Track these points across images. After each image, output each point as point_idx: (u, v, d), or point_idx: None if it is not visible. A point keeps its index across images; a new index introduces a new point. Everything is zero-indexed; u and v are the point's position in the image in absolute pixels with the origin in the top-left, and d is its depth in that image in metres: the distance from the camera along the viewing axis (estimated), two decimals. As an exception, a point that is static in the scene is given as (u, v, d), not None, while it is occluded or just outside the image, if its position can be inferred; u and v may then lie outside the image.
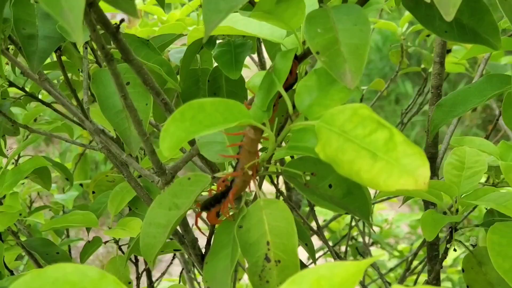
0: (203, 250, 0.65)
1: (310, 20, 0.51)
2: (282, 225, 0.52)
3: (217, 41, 0.85)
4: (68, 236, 1.43)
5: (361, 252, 1.58)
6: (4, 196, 0.95)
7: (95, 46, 0.81)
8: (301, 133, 0.51)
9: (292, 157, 0.73)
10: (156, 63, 0.74)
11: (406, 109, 1.52)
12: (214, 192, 0.57)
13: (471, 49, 0.83)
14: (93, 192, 1.08)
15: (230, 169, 0.66)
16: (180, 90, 0.82)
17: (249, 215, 0.53)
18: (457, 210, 0.70)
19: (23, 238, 1.09)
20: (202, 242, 0.64)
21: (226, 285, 0.53)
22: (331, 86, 0.52)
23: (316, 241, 1.55)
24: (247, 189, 0.57)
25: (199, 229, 0.60)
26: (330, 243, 1.75)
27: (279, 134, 0.57)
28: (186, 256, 1.36)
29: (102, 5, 0.53)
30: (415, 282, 1.24)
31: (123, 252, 1.02)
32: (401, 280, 1.23)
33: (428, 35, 1.34)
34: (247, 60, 1.01)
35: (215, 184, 0.58)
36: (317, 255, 1.66)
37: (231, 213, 0.56)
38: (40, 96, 1.06)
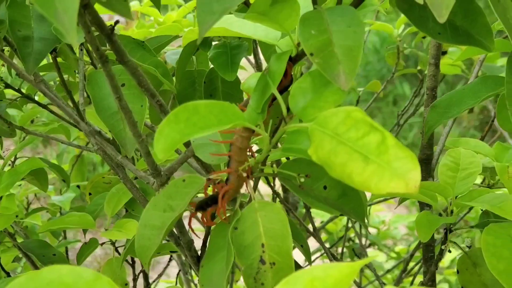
0: (199, 252, 0.65)
1: (304, 22, 0.51)
2: (277, 227, 0.52)
3: (213, 43, 0.85)
4: (65, 237, 1.43)
5: (358, 253, 1.58)
6: (1, 198, 0.95)
7: (90, 48, 0.81)
8: (295, 135, 0.52)
9: (288, 158, 0.74)
10: (151, 64, 0.74)
11: (402, 111, 1.53)
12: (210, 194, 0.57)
13: (465, 50, 0.84)
14: (90, 194, 1.08)
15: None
16: (176, 91, 0.83)
17: (244, 217, 0.53)
18: (452, 212, 0.70)
19: (20, 240, 1.09)
20: (198, 243, 0.64)
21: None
22: (325, 88, 0.52)
23: (313, 242, 1.55)
24: (243, 191, 0.57)
25: (192, 230, 0.60)
26: (327, 245, 1.76)
27: (274, 135, 0.57)
28: (183, 258, 1.36)
29: (97, 6, 0.54)
30: (411, 283, 1.25)
31: (120, 254, 1.02)
32: (398, 282, 1.23)
33: (424, 37, 1.35)
34: (244, 62, 1.01)
35: (210, 186, 0.58)
36: (313, 257, 1.67)
37: (226, 215, 0.56)
38: (36, 98, 1.06)
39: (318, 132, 0.47)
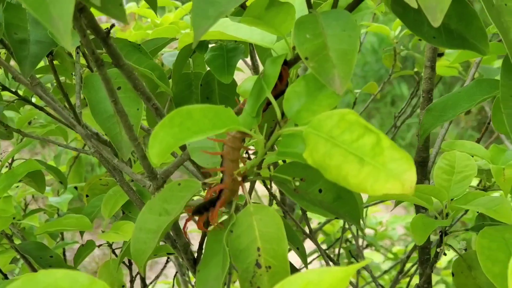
0: (196, 254, 0.66)
1: (299, 26, 0.51)
2: (272, 231, 0.52)
3: (210, 45, 0.85)
4: (63, 239, 1.43)
5: (354, 255, 1.58)
6: (-2, 200, 0.95)
7: (86, 51, 0.81)
8: (290, 138, 0.52)
9: (284, 161, 0.74)
10: (147, 67, 0.74)
11: (399, 112, 1.53)
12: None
13: (461, 53, 0.84)
14: (87, 196, 1.08)
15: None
16: (172, 94, 0.83)
17: (239, 221, 0.53)
18: (447, 215, 0.70)
19: (17, 241, 1.09)
20: (196, 242, 0.64)
21: (219, 293, 0.53)
22: (319, 92, 0.52)
23: (310, 243, 1.55)
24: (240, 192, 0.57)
25: (186, 234, 0.60)
26: (325, 246, 1.76)
27: (269, 139, 0.58)
28: (180, 260, 1.36)
29: (93, 9, 0.54)
30: (408, 284, 1.25)
31: (117, 256, 1.02)
32: (394, 283, 1.23)
33: (420, 39, 1.35)
34: (240, 64, 1.01)
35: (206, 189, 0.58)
36: (311, 258, 1.67)
37: (221, 220, 0.57)
38: (33, 100, 1.06)
39: (313, 135, 0.47)
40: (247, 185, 0.58)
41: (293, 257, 0.71)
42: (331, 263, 0.98)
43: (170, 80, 0.86)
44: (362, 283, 1.69)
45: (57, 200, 1.37)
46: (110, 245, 1.00)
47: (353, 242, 1.75)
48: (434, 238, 1.03)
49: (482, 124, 4.38)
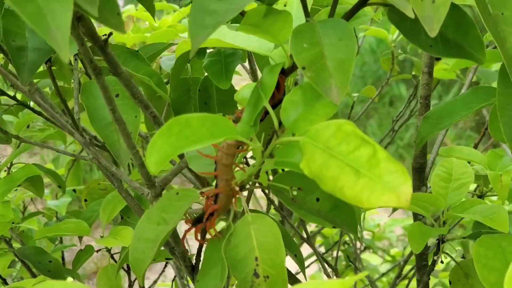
0: (194, 261, 0.66)
1: (296, 35, 0.51)
2: (270, 241, 0.52)
3: (208, 50, 0.85)
4: (61, 242, 1.44)
5: (352, 259, 1.57)
6: (-3, 205, 0.95)
7: (84, 60, 0.81)
8: (287, 148, 0.52)
9: (282, 170, 0.74)
10: (145, 74, 0.74)
11: (397, 116, 1.53)
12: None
13: (458, 60, 0.84)
14: (85, 200, 1.08)
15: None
16: (170, 100, 0.83)
17: (237, 231, 0.53)
18: (444, 222, 0.70)
19: (15, 244, 1.09)
20: (194, 247, 0.64)
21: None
22: (316, 101, 0.52)
23: (308, 246, 1.55)
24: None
25: (184, 245, 0.61)
26: (323, 249, 1.76)
27: (267, 147, 0.58)
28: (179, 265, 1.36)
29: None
30: (407, 287, 1.25)
31: (115, 261, 1.02)
32: (392, 286, 1.23)
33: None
34: (239, 67, 1.01)
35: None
36: (308, 262, 1.67)
37: (219, 229, 0.57)
38: (31, 104, 1.06)
39: (310, 145, 0.47)
40: (245, 193, 0.58)
41: (290, 261, 0.71)
42: (328, 268, 0.99)
43: (168, 86, 0.87)
44: (360, 285, 1.69)
45: (55, 203, 1.37)
46: (108, 250, 1.00)
47: (351, 245, 1.75)
48: (432, 240, 1.03)
49: (481, 124, 4.39)
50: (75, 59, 0.80)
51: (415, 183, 0.83)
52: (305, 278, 0.77)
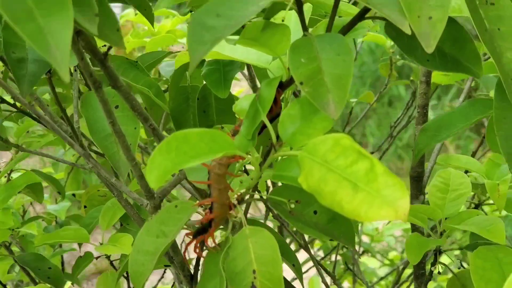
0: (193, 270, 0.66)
1: (294, 50, 0.52)
2: (268, 254, 0.53)
3: (206, 59, 0.85)
4: (60, 246, 1.44)
5: (350, 264, 1.58)
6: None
7: (84, 74, 0.81)
8: (285, 162, 0.52)
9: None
10: (145, 85, 0.75)
11: (395, 122, 1.54)
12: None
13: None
14: (85, 207, 1.08)
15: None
16: (169, 109, 0.83)
17: (235, 244, 0.54)
18: (441, 233, 0.71)
19: (14, 248, 1.10)
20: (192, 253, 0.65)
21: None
22: (314, 115, 0.53)
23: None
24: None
25: (185, 259, 0.61)
26: (322, 253, 1.76)
27: (265, 159, 0.58)
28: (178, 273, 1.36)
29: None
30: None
31: (114, 267, 1.02)
32: (391, 291, 1.24)
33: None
34: (237, 73, 1.01)
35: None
36: (307, 267, 1.67)
37: (215, 243, 0.57)
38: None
39: (308, 160, 0.48)
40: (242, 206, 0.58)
41: (286, 266, 0.72)
42: (325, 274, 0.99)
43: (167, 93, 0.87)
44: (359, 288, 1.69)
45: (55, 208, 1.38)
46: (108, 257, 1.00)
47: (350, 249, 1.75)
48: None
49: (480, 125, 4.39)
50: (75, 70, 0.80)
51: (413, 192, 0.83)
52: (302, 286, 0.77)
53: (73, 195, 1.50)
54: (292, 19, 0.62)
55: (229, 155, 0.54)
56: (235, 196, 0.56)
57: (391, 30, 0.54)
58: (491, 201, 0.87)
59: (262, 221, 1.27)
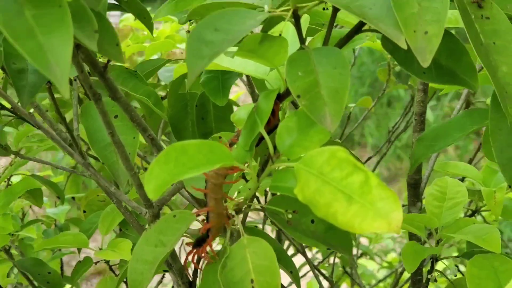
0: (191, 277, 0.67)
1: (291, 63, 0.52)
2: (265, 264, 0.53)
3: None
4: (60, 249, 1.44)
5: (348, 267, 1.58)
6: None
7: (84, 86, 0.82)
8: (282, 173, 0.53)
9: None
10: (144, 94, 0.75)
11: (393, 127, 1.54)
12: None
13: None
14: (84, 212, 1.09)
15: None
16: (167, 119, 0.84)
17: (233, 254, 0.54)
18: (438, 241, 0.71)
19: (13, 250, 1.10)
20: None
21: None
22: (310, 128, 0.53)
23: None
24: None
25: (187, 269, 0.61)
26: (320, 255, 1.77)
27: (262, 169, 0.59)
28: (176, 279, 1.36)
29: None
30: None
31: (113, 271, 1.03)
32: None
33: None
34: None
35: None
36: (305, 270, 1.67)
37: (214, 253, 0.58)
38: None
39: (304, 171, 0.48)
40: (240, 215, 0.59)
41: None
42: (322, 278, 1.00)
43: (166, 100, 0.87)
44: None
45: (54, 211, 1.38)
46: (107, 262, 1.00)
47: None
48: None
49: (478, 125, 4.38)
50: (75, 80, 0.81)
51: (410, 199, 0.84)
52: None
53: (73, 198, 1.51)
54: (290, 30, 0.62)
55: (227, 166, 0.54)
56: (233, 205, 0.57)
57: (388, 43, 0.54)
58: (489, 209, 0.87)
59: (261, 225, 1.28)
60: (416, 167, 0.83)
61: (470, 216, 0.94)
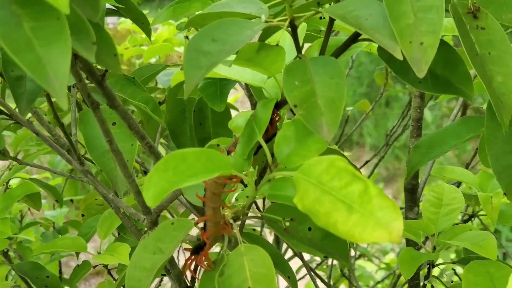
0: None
1: (288, 73, 0.53)
2: (263, 271, 0.54)
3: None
4: (58, 251, 1.44)
5: (345, 270, 1.58)
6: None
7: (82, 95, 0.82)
8: (280, 182, 0.53)
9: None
10: (141, 100, 0.76)
11: (391, 131, 1.55)
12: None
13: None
14: (83, 215, 1.09)
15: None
16: (166, 121, 0.84)
17: (231, 261, 0.54)
18: (435, 247, 0.71)
19: (11, 252, 1.11)
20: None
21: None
22: (308, 137, 0.53)
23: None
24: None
25: (186, 275, 0.62)
26: (318, 257, 1.77)
27: (260, 176, 0.59)
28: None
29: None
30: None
31: (111, 275, 1.03)
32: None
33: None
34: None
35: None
36: (303, 272, 1.68)
37: (210, 261, 0.58)
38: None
39: (303, 181, 0.48)
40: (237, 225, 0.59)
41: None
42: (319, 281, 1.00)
43: (164, 105, 0.88)
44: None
45: (52, 214, 1.38)
46: (105, 266, 1.01)
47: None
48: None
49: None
50: (73, 87, 0.81)
51: (407, 204, 0.84)
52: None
53: (71, 200, 1.51)
54: (287, 39, 0.62)
55: (226, 174, 0.55)
56: (229, 213, 0.57)
57: (384, 52, 0.54)
58: (485, 214, 0.87)
59: (259, 228, 1.28)
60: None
61: (467, 220, 0.94)
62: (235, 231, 0.57)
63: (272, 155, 0.55)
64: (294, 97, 0.51)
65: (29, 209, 1.61)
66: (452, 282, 0.73)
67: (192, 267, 0.60)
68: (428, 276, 0.73)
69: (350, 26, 0.49)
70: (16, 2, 0.42)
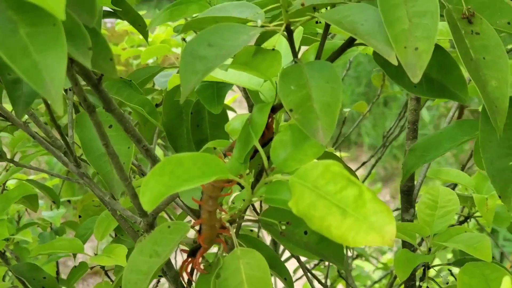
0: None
1: (284, 77, 0.53)
2: (258, 275, 0.54)
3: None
4: (55, 251, 1.44)
5: (341, 272, 1.59)
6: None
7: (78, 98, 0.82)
8: (276, 185, 0.53)
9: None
10: (138, 103, 0.76)
11: (388, 132, 1.55)
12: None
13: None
14: (80, 217, 1.09)
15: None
16: (163, 123, 0.84)
17: (226, 265, 0.55)
18: (430, 249, 0.72)
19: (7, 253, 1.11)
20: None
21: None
22: (304, 142, 0.54)
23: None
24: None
25: (182, 277, 0.62)
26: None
27: (257, 180, 0.59)
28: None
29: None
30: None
31: (108, 276, 1.03)
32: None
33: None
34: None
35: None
36: (300, 273, 1.68)
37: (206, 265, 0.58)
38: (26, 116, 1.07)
39: (299, 185, 0.49)
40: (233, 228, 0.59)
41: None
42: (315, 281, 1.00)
43: (160, 107, 0.88)
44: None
45: (50, 214, 1.39)
46: (102, 267, 1.01)
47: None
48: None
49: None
50: (69, 89, 0.81)
51: (403, 206, 0.84)
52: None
53: (69, 201, 1.51)
54: (283, 43, 0.63)
55: (223, 178, 0.55)
56: (225, 216, 0.58)
57: (379, 57, 0.55)
58: (481, 216, 0.88)
59: (256, 229, 1.28)
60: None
61: (463, 222, 0.95)
62: (231, 234, 0.57)
63: (268, 158, 0.55)
64: (290, 101, 0.51)
65: (26, 209, 1.61)
66: (447, 283, 0.74)
67: (189, 269, 0.60)
68: (423, 277, 0.73)
69: (346, 31, 0.50)
70: (12, 8, 0.42)
